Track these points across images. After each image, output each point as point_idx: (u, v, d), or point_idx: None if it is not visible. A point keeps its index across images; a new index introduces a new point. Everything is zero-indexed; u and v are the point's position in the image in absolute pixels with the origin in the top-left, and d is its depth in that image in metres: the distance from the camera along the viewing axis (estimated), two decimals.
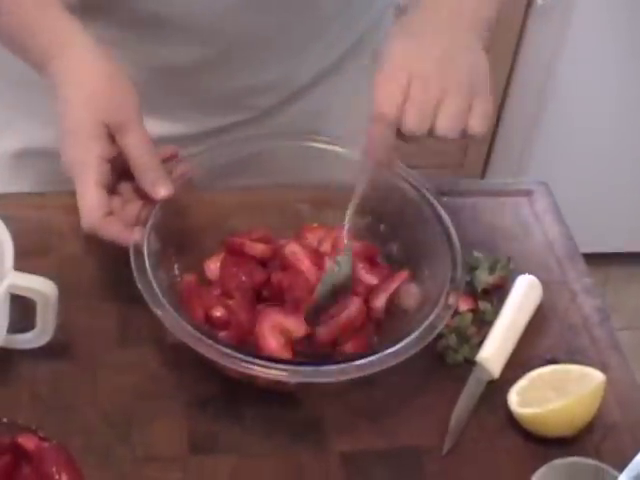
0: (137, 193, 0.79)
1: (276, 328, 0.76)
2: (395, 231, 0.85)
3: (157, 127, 0.84)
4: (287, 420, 0.76)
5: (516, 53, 2.05)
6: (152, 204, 0.78)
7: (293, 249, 0.81)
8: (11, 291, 0.71)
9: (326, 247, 0.83)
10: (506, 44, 2.03)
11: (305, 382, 0.71)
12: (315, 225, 0.86)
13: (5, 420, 0.63)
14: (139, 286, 0.73)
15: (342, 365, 0.70)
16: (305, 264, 0.80)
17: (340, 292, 0.79)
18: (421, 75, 0.77)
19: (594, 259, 2.09)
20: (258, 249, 0.82)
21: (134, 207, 0.78)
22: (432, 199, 0.83)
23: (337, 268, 0.79)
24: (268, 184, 0.85)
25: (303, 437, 0.75)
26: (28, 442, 0.62)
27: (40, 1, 0.81)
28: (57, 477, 0.61)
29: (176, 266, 0.81)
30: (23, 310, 0.74)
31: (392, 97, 0.77)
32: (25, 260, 0.74)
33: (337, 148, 0.87)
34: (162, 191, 0.78)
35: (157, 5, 0.86)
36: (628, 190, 2.10)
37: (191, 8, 0.86)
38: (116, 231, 0.76)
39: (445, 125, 0.77)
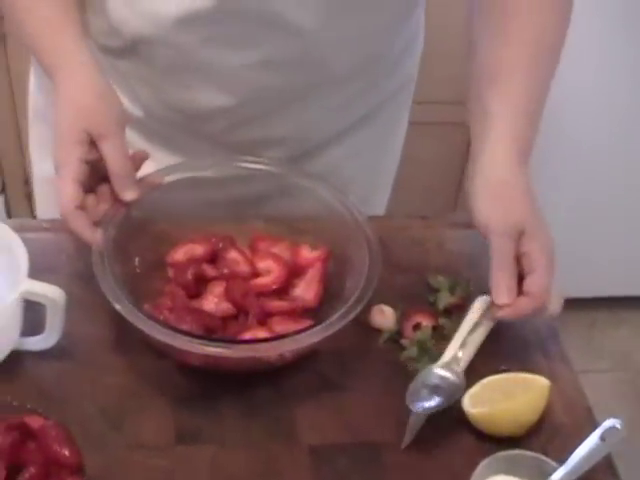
0: (111, 195, 0.90)
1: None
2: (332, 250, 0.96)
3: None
4: (262, 416, 0.85)
5: None
6: (120, 205, 0.90)
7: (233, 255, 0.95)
8: (25, 297, 0.82)
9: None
10: None
11: (244, 356, 0.82)
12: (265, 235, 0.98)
13: (15, 403, 0.74)
14: (100, 283, 0.84)
15: (276, 341, 0.82)
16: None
17: None
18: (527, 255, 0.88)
19: (582, 303, 2.20)
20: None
21: (106, 206, 0.89)
22: (361, 219, 0.94)
23: None
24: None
25: (276, 431, 0.84)
26: (34, 422, 0.72)
27: (53, 18, 0.93)
28: (59, 450, 0.70)
29: (137, 260, 0.92)
30: (32, 317, 0.85)
31: (511, 289, 0.88)
32: (37, 276, 0.84)
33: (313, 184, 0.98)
34: (129, 195, 0.89)
35: (183, 54, 0.97)
36: (615, 236, 2.18)
37: (212, 60, 0.97)
38: (82, 225, 0.86)
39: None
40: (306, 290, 0.93)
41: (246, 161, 0.99)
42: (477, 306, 0.95)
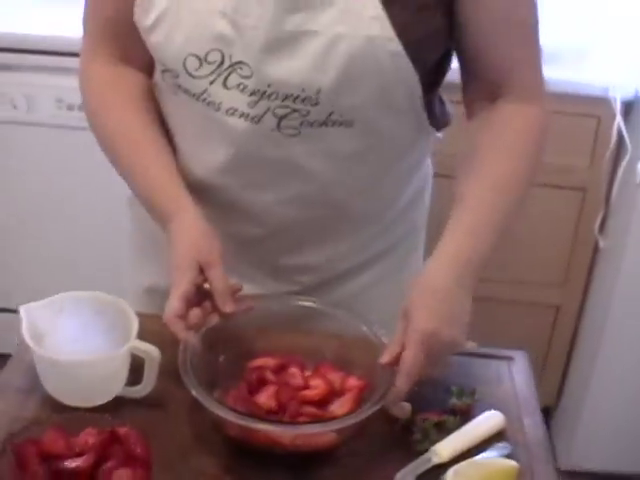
0: (212, 308, 1.18)
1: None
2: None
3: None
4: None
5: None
6: (215, 316, 1.18)
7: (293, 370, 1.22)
8: (132, 350, 1.13)
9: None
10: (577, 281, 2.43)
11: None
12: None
13: (109, 417, 1.04)
14: (181, 370, 1.11)
15: (315, 424, 1.10)
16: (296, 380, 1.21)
17: None
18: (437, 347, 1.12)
19: None
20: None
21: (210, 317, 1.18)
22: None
23: None
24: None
25: None
26: (121, 430, 1.02)
27: (164, 182, 1.23)
28: (134, 447, 0.99)
29: (222, 357, 1.20)
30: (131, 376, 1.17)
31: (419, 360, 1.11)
32: None
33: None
34: (227, 308, 1.17)
35: (227, 194, 1.27)
36: None
37: (249, 198, 1.27)
38: (179, 329, 1.11)
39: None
40: (339, 406, 1.18)
41: (300, 300, 1.28)
42: (484, 415, 1.20)
